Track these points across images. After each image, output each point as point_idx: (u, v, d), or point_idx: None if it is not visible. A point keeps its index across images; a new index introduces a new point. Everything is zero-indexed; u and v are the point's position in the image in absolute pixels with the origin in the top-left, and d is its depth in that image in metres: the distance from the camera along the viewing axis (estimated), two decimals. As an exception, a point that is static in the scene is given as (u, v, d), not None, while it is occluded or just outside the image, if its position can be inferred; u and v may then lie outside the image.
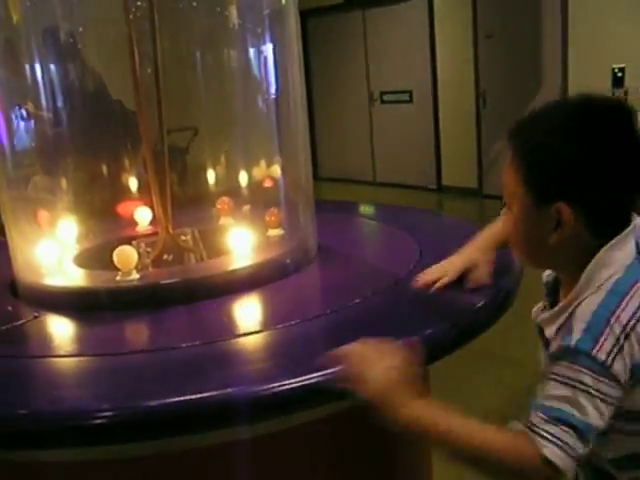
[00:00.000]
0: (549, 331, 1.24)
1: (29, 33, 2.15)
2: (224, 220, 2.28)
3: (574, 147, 1.13)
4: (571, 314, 1.15)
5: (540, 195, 1.17)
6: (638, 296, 1.11)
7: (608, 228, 1.16)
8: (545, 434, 1.07)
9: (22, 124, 2.16)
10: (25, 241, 1.94)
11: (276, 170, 2.26)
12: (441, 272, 1.55)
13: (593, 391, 1.07)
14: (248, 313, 1.69)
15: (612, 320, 1.09)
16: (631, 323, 1.09)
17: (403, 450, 1.74)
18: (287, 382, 1.18)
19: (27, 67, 2.12)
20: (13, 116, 2.09)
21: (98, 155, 2.39)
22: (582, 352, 1.08)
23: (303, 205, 2.06)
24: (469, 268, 1.54)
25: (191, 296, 1.65)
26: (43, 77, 2.17)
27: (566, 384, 1.08)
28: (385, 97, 9.90)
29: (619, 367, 1.07)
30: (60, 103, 2.21)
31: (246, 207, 2.40)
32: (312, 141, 2.45)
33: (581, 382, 1.07)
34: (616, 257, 1.15)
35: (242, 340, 1.41)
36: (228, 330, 1.47)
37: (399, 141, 9.72)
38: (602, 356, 1.07)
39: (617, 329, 1.08)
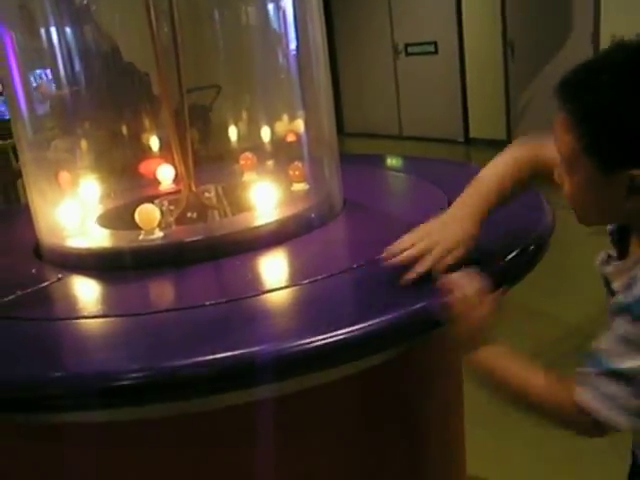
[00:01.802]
0: (618, 284, 1.15)
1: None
2: (247, 176, 2.25)
3: None
4: None
5: (608, 163, 1.05)
6: None
7: None
8: (586, 383, 1.07)
9: (40, 88, 2.14)
10: (47, 203, 1.92)
11: (299, 125, 2.22)
12: (421, 251, 1.32)
13: None
14: (273, 269, 1.66)
15: None
16: None
17: (434, 408, 1.72)
18: (315, 338, 1.16)
19: (42, 30, 2.10)
20: (30, 79, 2.06)
21: (117, 116, 2.37)
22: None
23: (327, 159, 2.02)
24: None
25: (215, 253, 1.63)
26: (59, 40, 2.14)
27: (622, 339, 1.05)
28: (410, 49, 9.76)
29: None
30: (76, 65, 2.18)
31: (270, 162, 2.37)
32: (336, 97, 2.41)
33: (626, 336, 1.04)
34: None
35: (268, 297, 1.38)
36: (253, 287, 1.44)
37: (425, 94, 9.60)
38: None
39: None
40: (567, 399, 1.09)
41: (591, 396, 1.06)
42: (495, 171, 1.40)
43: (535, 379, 1.15)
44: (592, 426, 1.08)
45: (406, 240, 1.35)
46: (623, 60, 1.05)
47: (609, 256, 1.23)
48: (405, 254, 1.32)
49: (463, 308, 1.20)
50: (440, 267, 1.29)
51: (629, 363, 1.03)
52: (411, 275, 1.29)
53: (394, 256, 1.33)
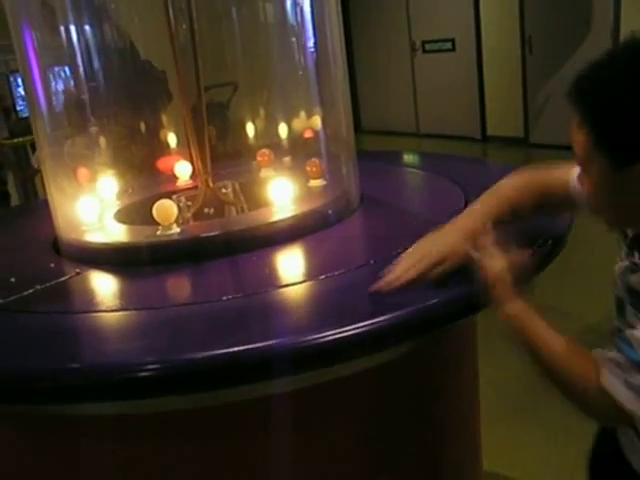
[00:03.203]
0: None
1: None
2: (265, 172, 2.26)
3: None
4: None
5: (619, 158, 1.04)
6: None
7: None
8: (615, 369, 1.06)
9: (58, 84, 2.16)
10: (66, 199, 1.94)
11: (317, 121, 2.22)
12: (437, 258, 1.31)
13: None
14: (290, 264, 1.67)
15: None
16: None
17: (449, 403, 1.72)
18: (331, 333, 1.16)
19: (61, 28, 2.11)
20: (49, 75, 2.08)
21: (134, 113, 2.38)
22: None
23: (345, 155, 2.02)
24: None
25: (232, 249, 1.63)
26: (78, 37, 2.15)
27: None
28: (427, 46, 9.73)
29: None
30: (95, 63, 2.20)
31: (287, 159, 2.37)
32: (354, 94, 2.42)
33: None
34: None
35: (284, 291, 1.39)
36: (270, 282, 1.45)
37: (442, 91, 9.57)
38: None
39: None
40: (593, 377, 1.08)
41: (618, 383, 1.05)
42: (498, 190, 1.45)
43: (563, 347, 1.15)
44: (612, 412, 1.07)
45: (404, 256, 1.35)
46: (628, 55, 1.05)
47: (635, 264, 1.16)
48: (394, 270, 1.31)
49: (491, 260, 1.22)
50: (422, 279, 1.29)
51: None
52: (388, 284, 1.28)
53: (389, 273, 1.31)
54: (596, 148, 1.06)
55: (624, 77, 1.02)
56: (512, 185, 1.43)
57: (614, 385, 1.05)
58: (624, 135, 1.02)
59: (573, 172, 1.26)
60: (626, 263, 1.17)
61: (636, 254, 1.16)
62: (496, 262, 1.21)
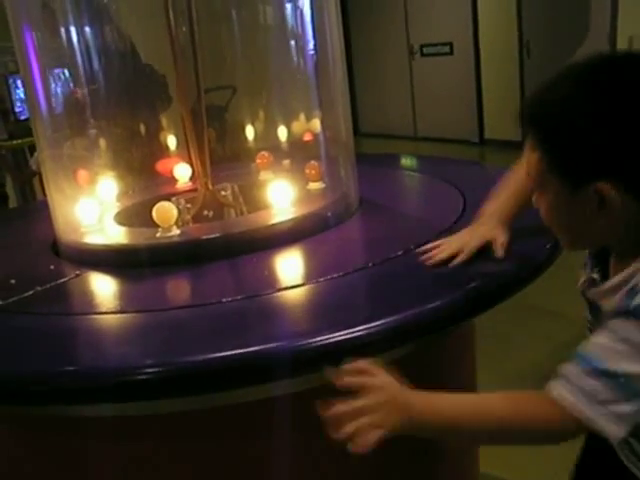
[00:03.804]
0: (607, 305, 1.08)
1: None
2: (264, 175, 2.27)
3: (599, 113, 0.96)
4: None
5: (572, 180, 1.01)
6: None
7: None
8: (566, 378, 1.00)
9: (59, 86, 2.16)
10: (66, 201, 1.94)
11: (316, 124, 2.23)
12: (454, 250, 1.42)
13: None
14: (289, 267, 1.67)
15: None
16: None
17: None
18: (330, 336, 1.16)
19: (62, 30, 2.12)
20: (50, 77, 2.08)
21: (135, 115, 2.39)
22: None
23: (344, 158, 2.03)
24: (484, 246, 1.43)
25: (232, 251, 1.64)
26: (79, 40, 2.16)
27: (612, 335, 0.98)
28: (425, 50, 9.73)
29: None
30: (96, 65, 2.20)
31: (286, 162, 2.38)
32: (352, 97, 2.42)
33: (629, 338, 0.96)
34: None
35: (284, 294, 1.39)
36: (269, 284, 1.45)
37: (440, 94, 9.57)
38: None
39: None
40: (541, 406, 1.01)
41: (570, 391, 0.98)
42: (508, 184, 1.51)
43: (505, 406, 1.04)
44: (580, 429, 1.00)
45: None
46: (579, 75, 1.03)
47: (592, 279, 1.15)
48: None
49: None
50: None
51: (626, 366, 0.96)
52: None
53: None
54: (549, 170, 1.04)
55: (574, 98, 1.00)
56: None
57: (566, 395, 0.99)
58: (576, 158, 1.00)
59: None
60: (583, 278, 1.19)
61: (594, 269, 1.16)
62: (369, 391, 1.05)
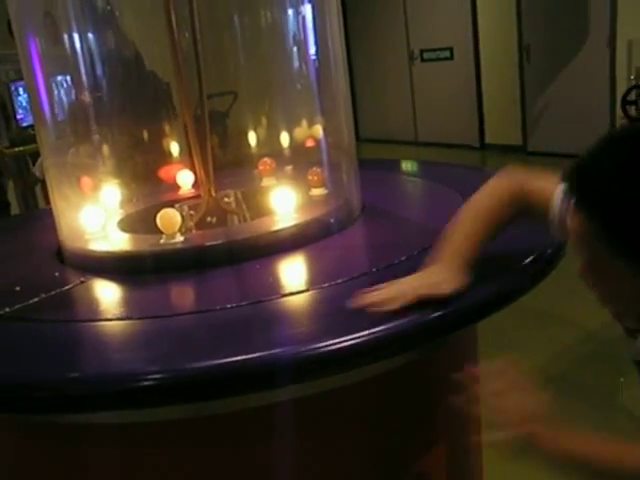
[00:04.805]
0: None
1: (66, 2, 2.15)
2: (266, 181, 2.27)
3: None
4: None
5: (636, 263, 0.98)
6: None
7: None
8: None
9: (63, 94, 2.17)
10: (70, 208, 1.95)
11: (318, 130, 2.23)
12: (391, 295, 1.26)
13: None
14: (293, 273, 1.68)
15: None
16: None
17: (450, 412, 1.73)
18: (334, 341, 1.17)
19: (66, 37, 2.13)
20: (54, 85, 2.09)
21: (138, 122, 2.40)
22: None
23: (346, 164, 2.04)
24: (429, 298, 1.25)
25: (235, 257, 1.64)
26: (83, 47, 2.17)
27: None
28: (425, 55, 9.76)
29: None
30: (99, 72, 2.21)
31: (288, 168, 2.39)
32: (352, 102, 2.43)
33: None
34: None
35: (288, 300, 1.40)
36: (273, 290, 1.45)
37: (440, 99, 9.59)
38: None
39: None
40: None
41: None
42: (465, 222, 1.36)
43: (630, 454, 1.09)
44: None
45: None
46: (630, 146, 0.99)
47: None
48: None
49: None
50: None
51: None
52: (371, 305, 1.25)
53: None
54: (612, 255, 1.00)
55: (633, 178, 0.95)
56: (485, 208, 1.34)
57: None
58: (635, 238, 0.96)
59: (556, 187, 1.21)
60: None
61: None
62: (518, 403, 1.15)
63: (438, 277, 1.27)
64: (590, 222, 1.00)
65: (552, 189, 1.23)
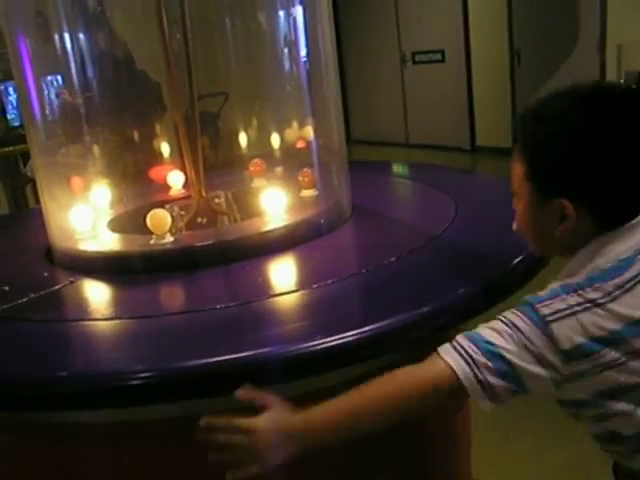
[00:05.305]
0: None
1: (57, 2, 2.15)
2: (257, 182, 2.27)
3: (576, 140, 1.10)
4: None
5: (543, 190, 1.15)
6: (618, 278, 1.07)
7: (616, 221, 1.12)
8: (454, 345, 1.09)
9: (53, 94, 2.17)
10: (59, 208, 1.95)
11: (309, 132, 2.24)
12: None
13: (522, 336, 1.05)
14: (283, 273, 1.68)
15: (576, 291, 1.06)
16: (598, 299, 1.05)
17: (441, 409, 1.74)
18: (323, 341, 1.17)
19: (57, 37, 2.12)
20: (44, 85, 2.09)
21: (128, 122, 2.39)
22: (528, 303, 1.09)
23: (336, 165, 2.04)
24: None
25: (225, 258, 1.65)
26: (74, 47, 2.16)
27: (500, 321, 1.09)
28: (417, 57, 9.76)
29: (560, 331, 1.04)
30: (90, 72, 2.21)
31: (279, 169, 2.39)
32: (343, 104, 2.43)
33: (514, 324, 1.07)
34: (613, 249, 1.11)
35: (277, 300, 1.40)
36: (263, 290, 1.46)
37: (432, 102, 9.60)
38: (545, 310, 1.06)
39: (576, 299, 1.05)
40: (438, 362, 1.09)
41: (459, 356, 1.08)
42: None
43: (402, 381, 1.11)
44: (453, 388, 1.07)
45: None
46: (565, 100, 1.15)
47: None
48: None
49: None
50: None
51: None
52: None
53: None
54: (526, 177, 1.16)
55: (559, 118, 1.12)
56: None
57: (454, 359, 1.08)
58: (549, 173, 1.13)
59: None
60: None
61: None
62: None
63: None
64: (522, 162, 1.17)
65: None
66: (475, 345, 1.08)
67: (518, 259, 1.45)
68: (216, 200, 2.05)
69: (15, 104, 5.45)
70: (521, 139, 1.19)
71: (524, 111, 1.20)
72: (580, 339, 1.04)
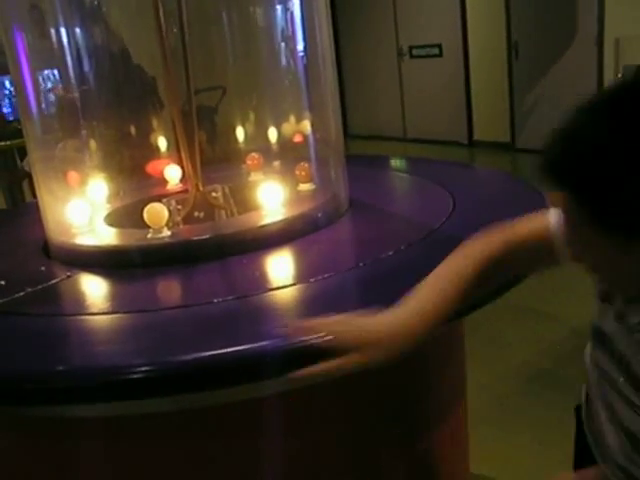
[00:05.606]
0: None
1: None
2: (254, 176, 2.27)
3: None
4: None
5: (630, 237, 0.89)
6: None
7: None
8: None
9: (49, 87, 2.17)
10: (56, 202, 1.94)
11: (306, 126, 2.23)
12: (330, 327, 1.11)
13: None
14: (280, 267, 1.68)
15: None
16: None
17: (436, 404, 1.74)
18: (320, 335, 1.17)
19: (52, 31, 2.12)
20: (40, 79, 2.08)
21: (125, 116, 2.39)
22: None
23: (334, 159, 2.04)
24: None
25: (222, 252, 1.64)
26: (69, 41, 2.16)
27: None
28: (414, 51, 9.75)
29: None
30: (86, 66, 2.20)
31: (276, 163, 2.39)
32: (341, 98, 2.43)
33: None
34: None
35: (274, 294, 1.40)
36: (260, 284, 1.46)
37: (429, 96, 9.60)
38: None
39: None
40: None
41: None
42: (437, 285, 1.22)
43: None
44: None
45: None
46: (599, 116, 0.90)
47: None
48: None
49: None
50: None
51: None
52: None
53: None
54: (599, 233, 0.92)
55: (608, 145, 0.87)
56: (460, 266, 1.23)
57: None
58: (627, 212, 0.87)
59: (549, 218, 1.13)
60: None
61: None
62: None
63: (389, 328, 1.12)
64: (579, 207, 0.92)
65: (543, 221, 1.15)
66: None
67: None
68: (213, 194, 2.05)
69: (11, 98, 5.44)
70: (572, 186, 0.92)
71: (554, 148, 0.98)
72: None
